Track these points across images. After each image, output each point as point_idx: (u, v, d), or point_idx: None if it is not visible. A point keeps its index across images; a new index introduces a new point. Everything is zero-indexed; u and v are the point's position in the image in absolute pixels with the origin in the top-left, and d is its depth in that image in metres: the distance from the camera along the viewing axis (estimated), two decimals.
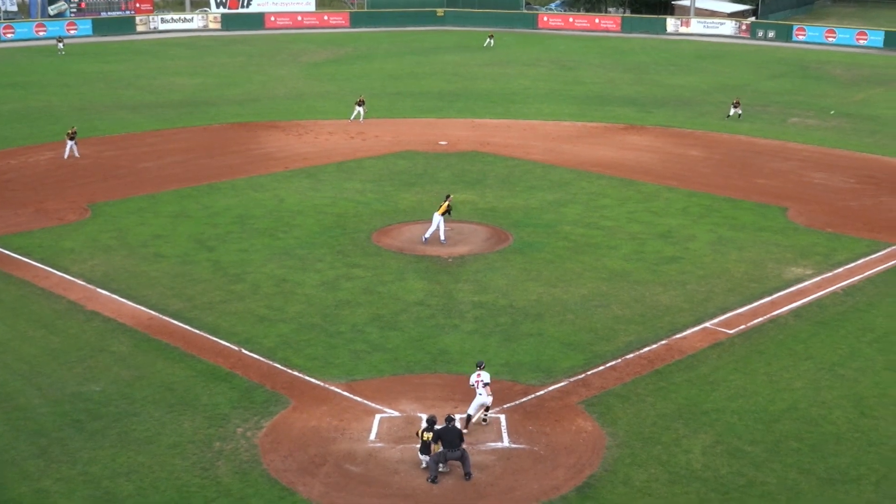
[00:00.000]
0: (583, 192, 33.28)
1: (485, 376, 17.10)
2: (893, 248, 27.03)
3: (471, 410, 16.90)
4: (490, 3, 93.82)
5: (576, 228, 29.02)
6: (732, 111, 47.31)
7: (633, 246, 27.34)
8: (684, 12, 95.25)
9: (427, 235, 26.41)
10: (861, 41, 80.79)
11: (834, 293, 23.60)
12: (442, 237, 26.49)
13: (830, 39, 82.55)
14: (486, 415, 17.16)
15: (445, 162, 37.12)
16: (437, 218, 26.34)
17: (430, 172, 35.29)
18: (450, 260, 25.77)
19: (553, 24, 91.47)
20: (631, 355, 20.03)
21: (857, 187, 34.25)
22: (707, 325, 21.58)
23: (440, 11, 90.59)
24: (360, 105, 44.22)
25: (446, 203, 26.51)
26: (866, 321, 21.92)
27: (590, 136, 43.45)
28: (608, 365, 19.59)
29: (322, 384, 18.50)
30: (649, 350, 20.28)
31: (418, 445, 15.86)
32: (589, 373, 19.27)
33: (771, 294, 23.48)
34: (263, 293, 22.85)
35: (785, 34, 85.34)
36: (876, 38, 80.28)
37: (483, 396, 16.81)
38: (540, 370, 19.26)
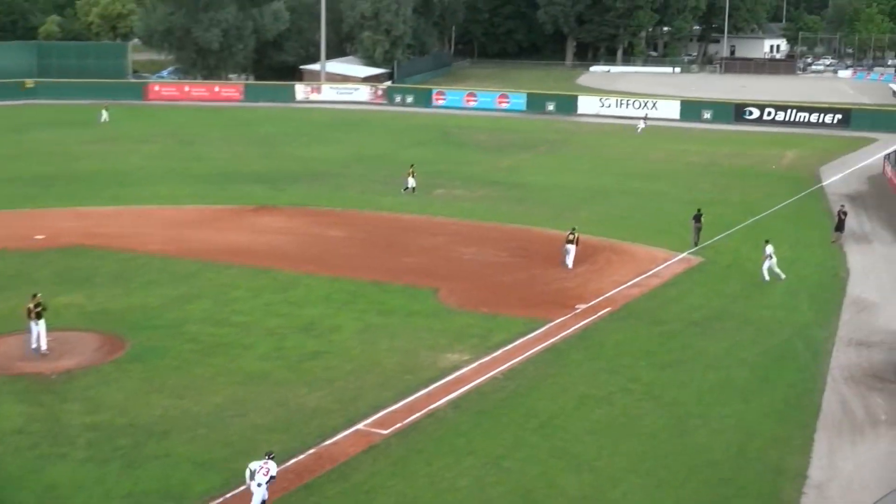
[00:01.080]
0: (211, 284, 34.86)
1: (272, 467, 19.25)
2: (550, 324, 31.68)
3: None
4: (90, 71, 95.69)
5: (204, 327, 30.43)
6: (410, 182, 52.33)
7: (272, 343, 29.31)
8: (314, 77, 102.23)
9: None
10: (503, 104, 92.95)
11: (493, 378, 27.01)
12: None
13: (471, 103, 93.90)
14: None
15: (44, 259, 37.13)
16: None
17: (26, 273, 35.21)
18: (53, 377, 25.90)
19: (166, 94, 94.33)
20: None
21: (509, 261, 39.51)
22: (359, 426, 23.49)
23: (29, 83, 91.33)
24: None
25: None
26: (529, 406, 25.05)
27: (216, 220, 45.35)
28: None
29: None
30: (296, 462, 21.52)
31: None
32: (228, 496, 20.12)
33: (427, 385, 26.15)
34: None
35: (423, 99, 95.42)
36: (518, 100, 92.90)
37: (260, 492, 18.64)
38: (170, 498, 20.04)
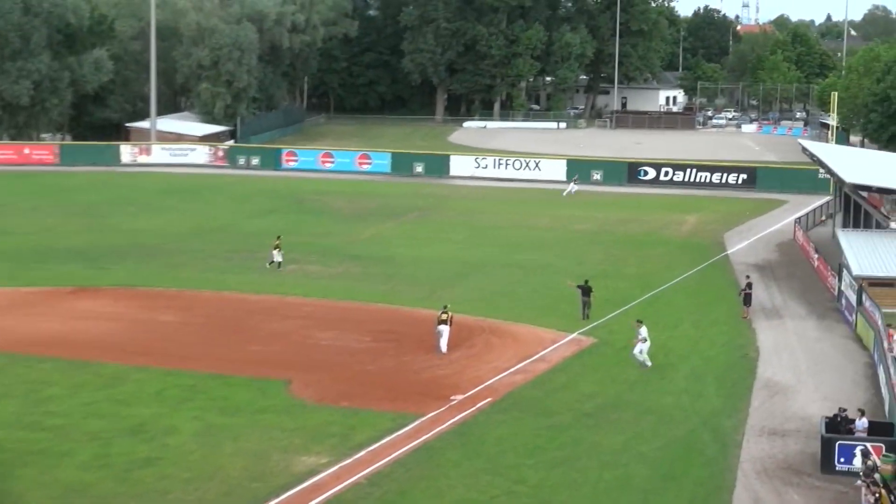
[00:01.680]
0: (19, 381, 34.27)
1: None
2: (422, 419, 31.93)
3: None
4: None
5: (12, 432, 29.86)
6: (276, 256, 52.59)
7: (95, 449, 28.89)
8: (143, 137, 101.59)
9: None
10: (364, 166, 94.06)
11: (357, 484, 27.12)
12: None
13: (327, 165, 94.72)
14: None
15: None
16: None
17: None
18: None
19: None
20: None
21: (374, 346, 39.83)
22: None
23: None
24: None
25: None
26: None
27: (25, 305, 44.72)
28: None
29: None
30: None
31: None
32: None
33: (279, 494, 26.15)
34: None
35: (272, 160, 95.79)
36: (381, 161, 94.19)
37: None
38: None
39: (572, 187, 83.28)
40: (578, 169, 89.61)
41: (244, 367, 36.72)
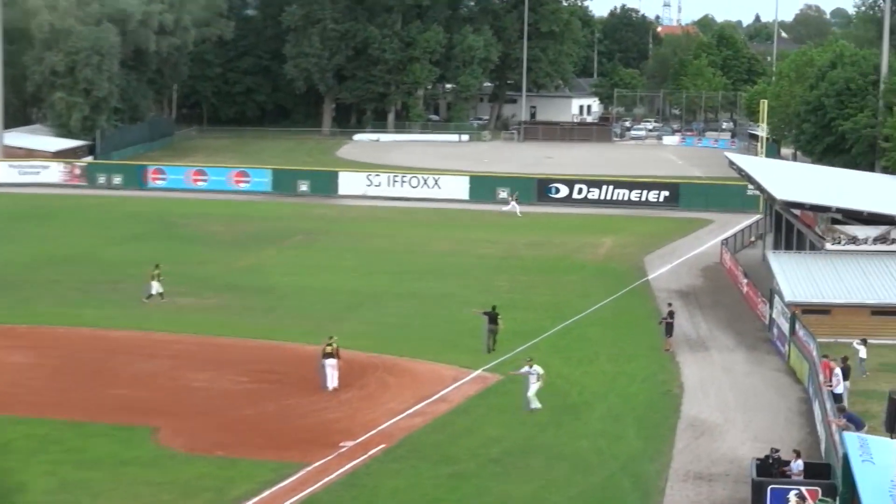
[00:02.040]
0: None
1: None
2: (308, 469, 31.95)
3: None
4: None
5: None
6: (155, 287, 52.26)
7: None
8: None
9: None
10: (242, 184, 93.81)
11: None
12: None
13: (200, 184, 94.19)
14: None
15: None
16: None
17: None
18: None
19: None
20: None
21: (253, 388, 39.77)
22: None
23: None
24: None
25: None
26: None
27: None
28: None
29: None
30: None
31: None
32: None
33: None
34: None
35: (136, 179, 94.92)
36: (261, 179, 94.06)
37: None
38: None
39: (514, 206, 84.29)
40: (482, 188, 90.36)
41: (105, 414, 36.32)
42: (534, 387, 37.81)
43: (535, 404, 37.80)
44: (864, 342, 41.94)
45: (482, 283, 58.78)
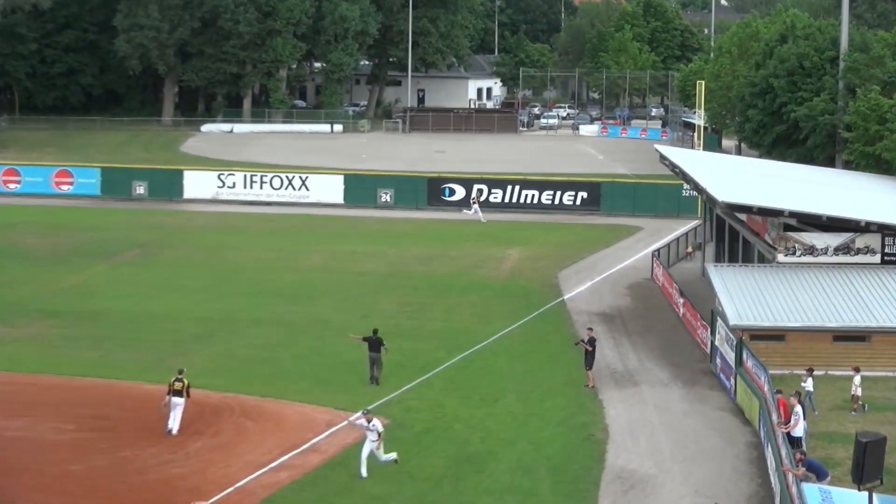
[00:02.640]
0: None
1: None
2: None
3: None
4: None
5: None
6: None
7: None
8: None
9: None
10: (64, 186, 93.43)
11: None
12: None
13: (12, 186, 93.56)
14: None
15: None
16: None
17: None
18: None
19: None
20: None
21: (80, 437, 39.29)
22: None
23: None
24: None
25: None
26: None
27: None
28: None
29: None
30: None
31: None
32: None
33: None
34: None
35: None
36: (87, 180, 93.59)
37: None
38: None
39: (476, 209, 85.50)
40: (355, 188, 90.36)
41: None
42: (368, 447, 36.72)
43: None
44: (810, 372, 42.66)
45: (362, 306, 58.73)
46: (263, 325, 55.03)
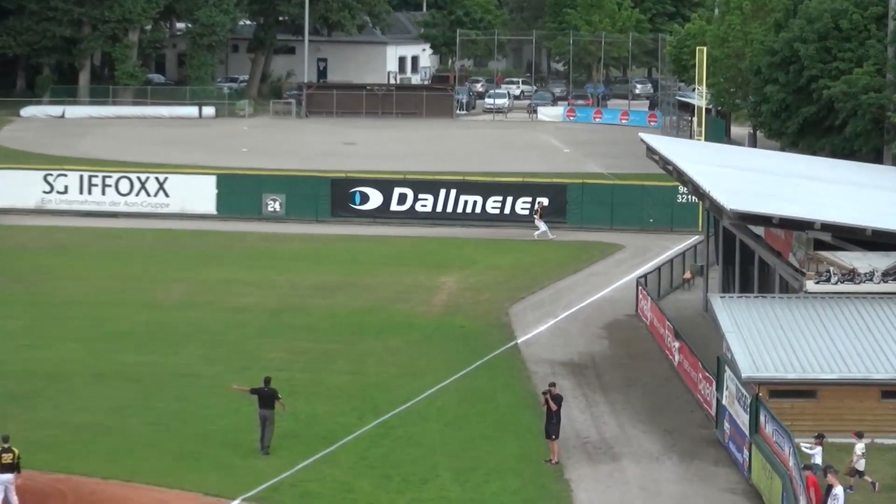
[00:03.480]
0: None
1: None
2: None
3: None
4: None
5: None
6: None
7: None
8: None
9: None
10: None
11: None
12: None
13: None
14: None
15: None
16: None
17: None
18: None
19: None
20: None
21: None
22: None
23: None
24: None
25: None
26: None
27: None
28: None
29: None
30: None
31: None
32: None
33: None
34: None
35: None
36: None
37: None
38: None
39: (542, 226, 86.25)
40: (238, 194, 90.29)
41: None
42: None
43: None
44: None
45: (241, 355, 58.79)
46: (107, 380, 54.85)
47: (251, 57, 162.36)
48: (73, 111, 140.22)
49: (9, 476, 39.13)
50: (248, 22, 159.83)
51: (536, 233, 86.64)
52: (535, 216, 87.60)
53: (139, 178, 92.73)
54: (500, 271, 76.24)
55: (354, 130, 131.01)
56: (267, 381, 45.93)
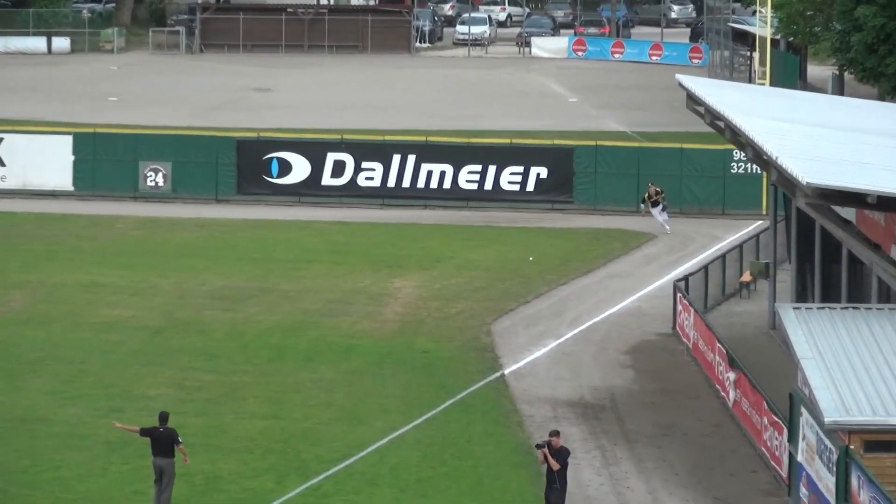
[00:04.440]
0: None
1: None
2: None
3: None
4: None
5: None
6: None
7: None
8: None
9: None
10: None
11: None
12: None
13: None
14: None
15: None
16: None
17: None
18: None
19: None
20: None
21: None
22: None
23: None
24: None
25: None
26: None
27: None
28: None
29: None
30: None
31: None
32: None
33: None
34: None
35: None
36: None
37: None
38: None
39: (662, 216, 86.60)
40: (105, 159, 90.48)
41: None
42: None
43: None
44: None
45: (110, 390, 59.01)
46: None
47: None
48: None
49: None
50: None
51: (660, 219, 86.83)
52: (645, 202, 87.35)
53: None
54: (478, 272, 76.41)
55: (270, 71, 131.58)
56: (163, 417, 45.75)
